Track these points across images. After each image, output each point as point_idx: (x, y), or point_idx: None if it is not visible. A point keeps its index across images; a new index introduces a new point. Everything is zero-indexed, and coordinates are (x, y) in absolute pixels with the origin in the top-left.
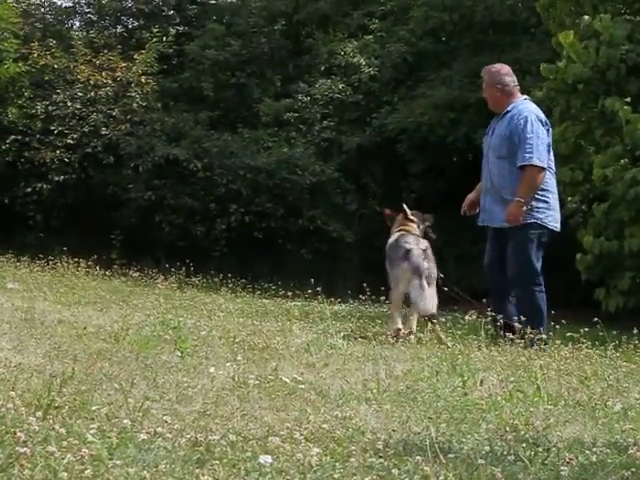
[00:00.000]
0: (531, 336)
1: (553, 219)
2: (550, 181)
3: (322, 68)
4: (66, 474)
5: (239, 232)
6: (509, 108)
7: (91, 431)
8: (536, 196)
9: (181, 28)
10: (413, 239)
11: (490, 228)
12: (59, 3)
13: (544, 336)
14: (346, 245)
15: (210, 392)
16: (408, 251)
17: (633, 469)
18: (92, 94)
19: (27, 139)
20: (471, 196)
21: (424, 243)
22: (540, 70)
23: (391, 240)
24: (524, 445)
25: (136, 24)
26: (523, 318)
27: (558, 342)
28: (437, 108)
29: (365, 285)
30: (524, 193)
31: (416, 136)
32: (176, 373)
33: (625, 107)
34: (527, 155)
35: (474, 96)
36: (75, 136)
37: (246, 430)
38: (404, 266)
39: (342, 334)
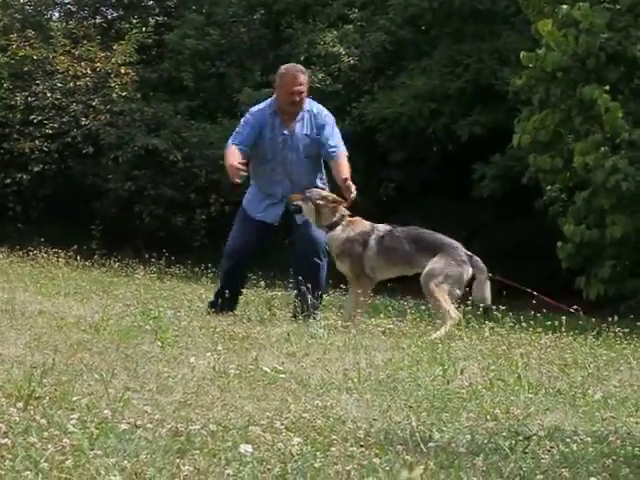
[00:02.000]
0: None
1: None
2: None
3: (302, 58)
4: (47, 465)
5: (219, 222)
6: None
7: (72, 422)
8: None
9: (160, 18)
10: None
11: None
12: None
13: None
14: None
15: (191, 382)
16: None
17: (614, 457)
18: (71, 85)
19: (6, 130)
20: None
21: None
22: (520, 58)
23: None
24: (505, 434)
25: (115, 15)
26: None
27: (539, 330)
28: (417, 99)
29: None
30: None
31: (396, 126)
32: (157, 363)
33: (604, 95)
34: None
35: (454, 86)
36: (55, 126)
37: (227, 420)
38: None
39: (323, 324)
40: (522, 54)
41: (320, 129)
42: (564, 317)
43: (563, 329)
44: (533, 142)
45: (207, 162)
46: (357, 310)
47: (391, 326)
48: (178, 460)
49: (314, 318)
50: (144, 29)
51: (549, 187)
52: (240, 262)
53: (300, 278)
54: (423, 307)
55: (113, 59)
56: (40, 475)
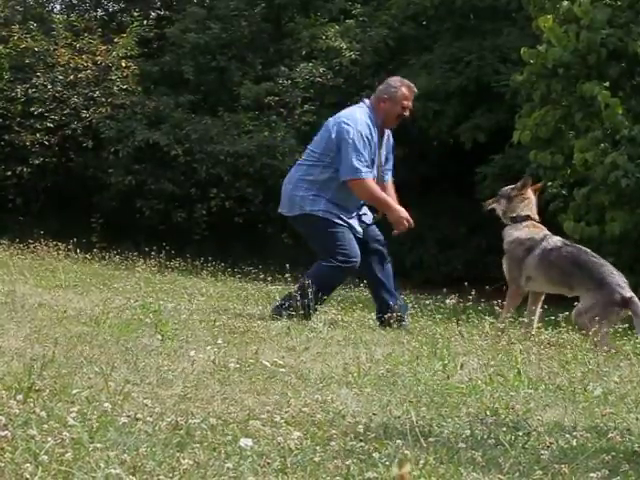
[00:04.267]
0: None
1: None
2: None
3: (303, 52)
4: (47, 457)
5: (219, 217)
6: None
7: (72, 414)
8: None
9: (162, 12)
10: None
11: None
12: None
13: None
14: None
15: (190, 375)
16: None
17: (613, 453)
18: (72, 77)
19: (7, 122)
20: None
21: None
22: (521, 54)
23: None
24: (504, 429)
25: (116, 7)
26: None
27: (539, 326)
28: (419, 98)
29: None
30: None
31: (397, 125)
32: (156, 356)
33: (604, 91)
34: None
35: (455, 83)
36: (55, 118)
37: (226, 413)
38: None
39: (323, 318)
40: (523, 50)
41: (389, 148)
42: (566, 313)
43: (563, 325)
44: (534, 138)
45: (207, 157)
46: (504, 314)
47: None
48: (178, 454)
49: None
50: (145, 22)
51: (550, 183)
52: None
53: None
54: (426, 302)
55: (114, 52)
56: (40, 468)
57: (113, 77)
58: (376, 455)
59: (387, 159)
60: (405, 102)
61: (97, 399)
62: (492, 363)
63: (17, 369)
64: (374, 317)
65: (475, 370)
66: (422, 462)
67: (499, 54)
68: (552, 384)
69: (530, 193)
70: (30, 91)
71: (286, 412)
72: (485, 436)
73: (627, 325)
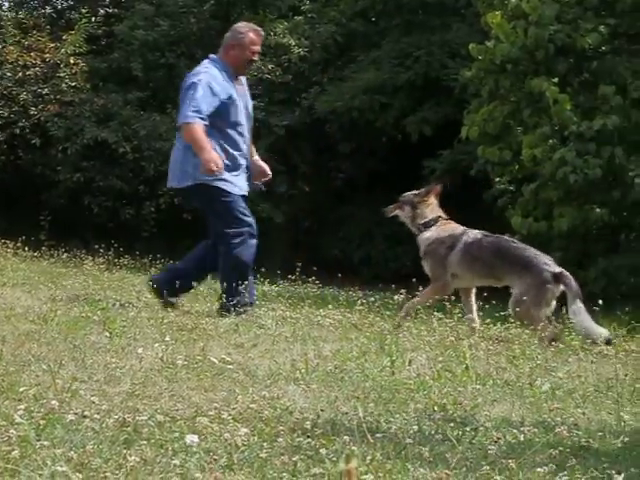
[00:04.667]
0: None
1: None
2: None
3: None
4: None
5: (168, 214)
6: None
7: (19, 412)
8: None
9: (110, 9)
10: None
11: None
12: None
13: None
14: (275, 225)
15: (138, 373)
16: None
17: (560, 448)
18: (21, 75)
19: None
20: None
21: None
22: (469, 50)
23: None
24: (452, 425)
25: (65, 5)
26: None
27: (488, 322)
28: (367, 92)
29: (295, 265)
30: None
31: (345, 118)
32: (104, 354)
33: (552, 87)
34: None
35: (403, 78)
36: (3, 115)
37: (174, 410)
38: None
39: (271, 314)
40: (471, 46)
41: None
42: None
43: (511, 320)
44: (482, 134)
45: (156, 154)
46: (417, 302)
47: (339, 317)
48: (125, 451)
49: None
50: (94, 19)
51: (498, 179)
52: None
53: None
54: (372, 299)
55: (63, 49)
56: None
57: (62, 74)
58: (323, 451)
59: (251, 113)
60: (253, 47)
61: (44, 397)
62: (440, 359)
63: None
64: (322, 314)
65: (423, 366)
66: (369, 458)
67: (448, 49)
68: (500, 379)
69: (433, 198)
70: None
71: (233, 409)
72: (433, 432)
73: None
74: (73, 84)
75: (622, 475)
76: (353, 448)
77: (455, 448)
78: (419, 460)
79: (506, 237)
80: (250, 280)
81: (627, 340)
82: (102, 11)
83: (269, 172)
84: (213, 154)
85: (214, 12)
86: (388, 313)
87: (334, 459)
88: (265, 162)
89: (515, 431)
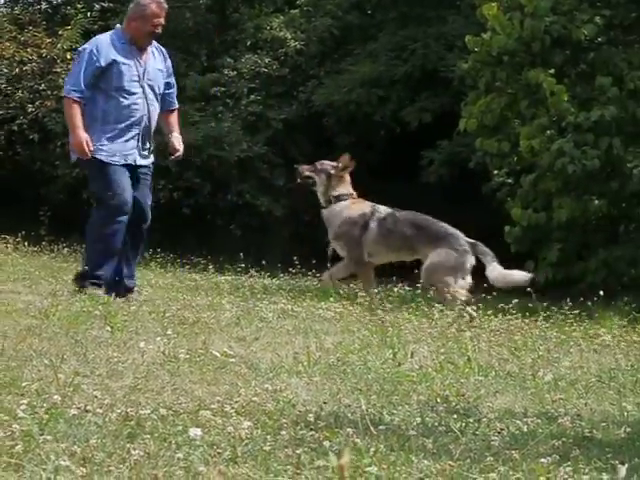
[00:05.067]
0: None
1: None
2: None
3: (248, 43)
4: None
5: (167, 208)
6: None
7: (21, 407)
8: None
9: (106, 4)
10: None
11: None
12: None
13: None
14: (275, 219)
15: (140, 367)
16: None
17: (563, 439)
18: (17, 71)
19: None
20: None
21: None
22: (465, 42)
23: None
24: (455, 416)
25: (60, 0)
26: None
27: (489, 313)
28: (364, 85)
29: (295, 259)
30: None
31: (343, 111)
32: (106, 348)
33: (549, 79)
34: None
35: (400, 71)
36: (1, 112)
37: (177, 404)
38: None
39: (272, 308)
40: (467, 38)
41: (169, 70)
42: (516, 300)
43: (513, 312)
44: (480, 126)
45: (154, 148)
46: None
47: (341, 310)
48: (128, 445)
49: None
50: (89, 14)
51: (496, 171)
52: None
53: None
54: (375, 290)
55: (59, 45)
56: None
57: (58, 70)
58: (327, 444)
59: (168, 85)
60: (155, 20)
61: (47, 391)
62: (442, 351)
63: None
64: (323, 306)
65: (425, 358)
66: (373, 450)
67: (444, 42)
68: (502, 371)
69: (347, 175)
70: None
71: (236, 402)
72: (436, 423)
73: (578, 312)
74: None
75: (626, 465)
76: (356, 440)
77: (458, 439)
78: (423, 452)
79: (418, 212)
80: (127, 262)
81: (628, 331)
82: (98, 6)
83: (178, 147)
84: (82, 135)
85: (210, 6)
86: (389, 305)
87: (338, 451)
88: (265, 155)
89: (518, 422)
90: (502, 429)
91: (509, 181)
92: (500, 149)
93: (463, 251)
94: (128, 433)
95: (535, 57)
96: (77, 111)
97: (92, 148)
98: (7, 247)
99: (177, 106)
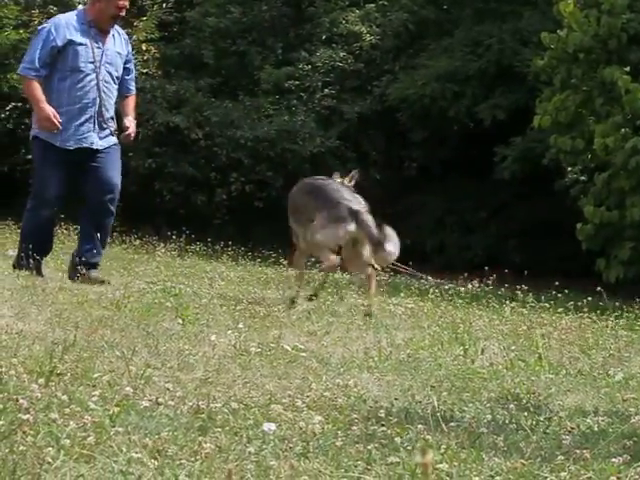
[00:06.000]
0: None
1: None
2: None
3: (323, 37)
4: (68, 441)
5: (239, 201)
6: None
7: (93, 398)
8: None
9: None
10: None
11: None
12: None
13: None
14: None
15: (212, 360)
16: None
17: (635, 438)
18: None
19: (27, 106)
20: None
21: None
22: (541, 39)
23: None
24: (526, 414)
25: None
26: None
27: (560, 311)
28: (439, 80)
29: None
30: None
31: (417, 106)
32: (177, 341)
33: (624, 77)
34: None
35: (475, 66)
36: None
37: (248, 398)
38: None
39: (343, 302)
40: (543, 35)
41: (129, 55)
42: (588, 298)
43: (584, 310)
44: (554, 123)
45: (228, 141)
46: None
47: (412, 305)
48: (200, 438)
49: (96, 267)
50: (165, 6)
51: (570, 168)
52: (57, 206)
53: (91, 225)
54: (446, 287)
55: (134, 36)
56: (62, 451)
57: (134, 61)
58: (398, 440)
59: (128, 70)
60: (120, 2)
61: (118, 383)
62: (513, 348)
63: (38, 353)
64: (394, 302)
65: (496, 355)
66: (444, 447)
67: (519, 37)
68: (573, 369)
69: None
70: None
71: (307, 396)
72: (506, 421)
73: None
74: (145, 71)
75: None
76: (427, 437)
77: (529, 437)
78: (493, 449)
79: (325, 178)
80: (88, 238)
81: None
82: None
83: (128, 125)
84: (47, 108)
85: (286, 0)
86: (460, 302)
87: (409, 448)
88: (337, 150)
89: (589, 421)
90: (573, 428)
91: (582, 178)
92: (574, 146)
93: (343, 215)
94: (199, 426)
95: (611, 55)
96: (36, 86)
97: (60, 120)
98: None
99: (133, 92)
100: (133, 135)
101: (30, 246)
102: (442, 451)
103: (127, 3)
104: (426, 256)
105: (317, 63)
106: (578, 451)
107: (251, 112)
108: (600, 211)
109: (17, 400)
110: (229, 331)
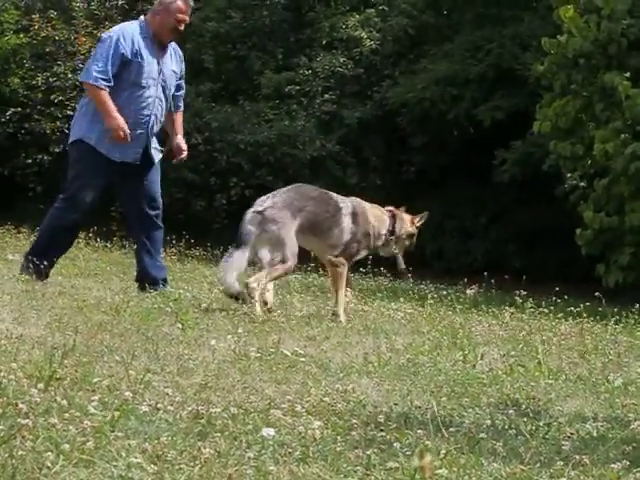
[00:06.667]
0: None
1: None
2: None
3: (323, 42)
4: (68, 446)
5: (240, 206)
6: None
7: (93, 403)
8: None
9: None
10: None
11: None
12: None
13: None
14: None
15: (211, 364)
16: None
17: (634, 444)
18: None
19: (28, 110)
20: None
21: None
22: (541, 44)
23: None
24: (525, 419)
25: None
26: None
27: (560, 316)
28: (439, 83)
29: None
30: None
31: (417, 110)
32: (177, 345)
33: (625, 82)
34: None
35: (475, 70)
36: (75, 107)
37: (247, 403)
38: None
39: (343, 307)
40: (543, 40)
41: (182, 73)
42: (587, 303)
43: (584, 315)
44: (554, 128)
45: (228, 145)
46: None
47: (411, 311)
48: (199, 443)
49: (163, 286)
50: None
51: (570, 174)
52: (87, 216)
53: (145, 241)
54: (444, 292)
55: None
56: (61, 456)
57: None
58: (397, 445)
59: (179, 87)
60: (180, 15)
61: (118, 388)
62: (512, 353)
63: (38, 357)
64: (394, 307)
65: (495, 360)
66: (443, 452)
67: (520, 42)
68: (572, 374)
69: None
70: (51, 79)
71: (307, 401)
72: (506, 426)
73: None
74: None
75: None
76: (427, 442)
77: (528, 443)
78: (493, 455)
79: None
80: (149, 253)
81: None
82: None
83: (184, 149)
84: (118, 118)
85: (286, 5)
86: (460, 307)
87: (408, 453)
88: (337, 154)
89: (588, 426)
90: (572, 433)
91: (582, 184)
92: (574, 152)
93: (245, 221)
94: (199, 431)
95: (611, 60)
96: (107, 96)
97: (128, 132)
98: (79, 242)
99: (182, 109)
100: (185, 155)
101: (46, 243)
102: (441, 456)
103: (187, 17)
104: (425, 261)
105: (317, 68)
106: (577, 457)
107: (251, 117)
108: (600, 217)
109: (16, 405)
110: (228, 336)
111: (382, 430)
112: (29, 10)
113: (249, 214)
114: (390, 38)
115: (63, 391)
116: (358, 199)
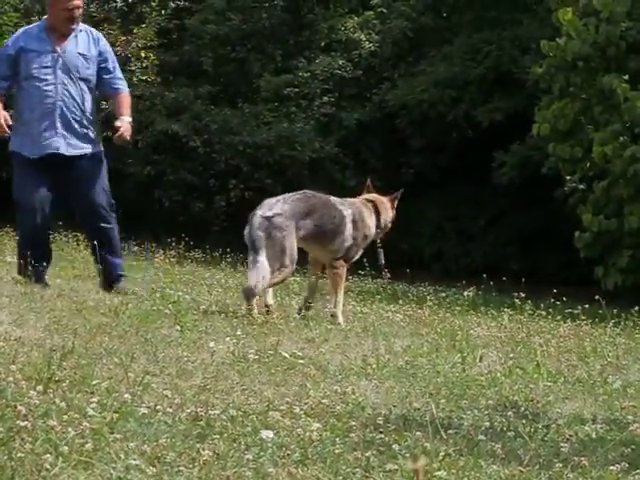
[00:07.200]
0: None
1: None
2: None
3: (322, 44)
4: (67, 448)
5: (239, 207)
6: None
7: (91, 405)
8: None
9: (181, 2)
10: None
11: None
12: None
13: None
14: None
15: (210, 366)
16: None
17: (633, 446)
18: None
19: None
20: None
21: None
22: (540, 46)
23: None
24: (524, 421)
25: None
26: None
27: (558, 319)
28: (438, 85)
29: (364, 260)
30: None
31: (416, 112)
32: (176, 347)
33: (623, 85)
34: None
35: (474, 73)
36: None
37: (246, 405)
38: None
39: (341, 309)
40: (542, 43)
41: (103, 55)
42: (586, 306)
43: (582, 317)
44: (553, 131)
45: (227, 148)
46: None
47: (410, 313)
48: (198, 444)
49: (121, 281)
50: (164, 13)
51: (568, 177)
52: (41, 214)
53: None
54: (443, 294)
55: (134, 43)
56: (60, 458)
57: (133, 68)
58: (396, 447)
59: (105, 69)
60: (68, 3)
61: (117, 390)
62: (511, 355)
63: (37, 360)
64: (393, 309)
65: (494, 362)
66: (442, 454)
67: (518, 44)
68: (571, 376)
69: None
70: None
71: (305, 403)
72: (505, 428)
73: None
74: (144, 78)
75: None
76: (425, 444)
77: (527, 445)
78: (491, 457)
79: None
80: (103, 260)
81: None
82: (173, 4)
83: (119, 124)
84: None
85: (285, 7)
86: (459, 309)
87: (407, 455)
88: (336, 156)
89: (587, 428)
90: (571, 435)
91: (581, 187)
92: (573, 154)
93: (248, 224)
94: (198, 433)
95: (610, 62)
96: None
97: (10, 123)
98: (78, 244)
99: (123, 90)
100: (127, 134)
101: (28, 253)
102: (440, 458)
103: (78, 2)
104: (424, 263)
105: (316, 70)
106: (576, 459)
107: (250, 119)
108: (599, 219)
109: (15, 407)
110: (227, 338)
111: (381, 432)
112: (28, 12)
113: (257, 218)
114: (389, 40)
115: (62, 393)
116: (356, 202)
